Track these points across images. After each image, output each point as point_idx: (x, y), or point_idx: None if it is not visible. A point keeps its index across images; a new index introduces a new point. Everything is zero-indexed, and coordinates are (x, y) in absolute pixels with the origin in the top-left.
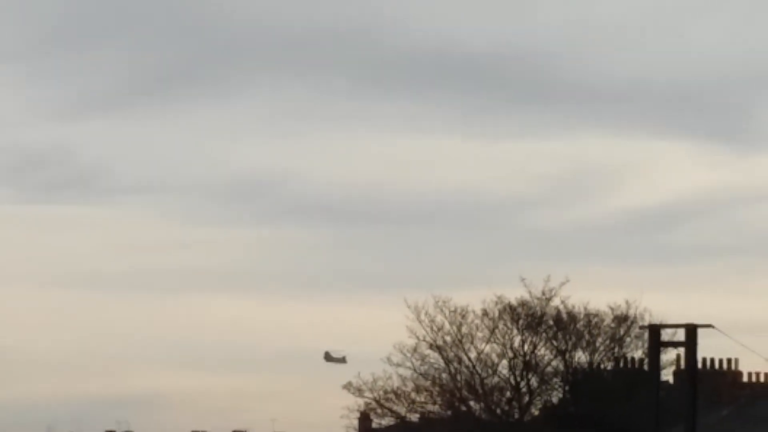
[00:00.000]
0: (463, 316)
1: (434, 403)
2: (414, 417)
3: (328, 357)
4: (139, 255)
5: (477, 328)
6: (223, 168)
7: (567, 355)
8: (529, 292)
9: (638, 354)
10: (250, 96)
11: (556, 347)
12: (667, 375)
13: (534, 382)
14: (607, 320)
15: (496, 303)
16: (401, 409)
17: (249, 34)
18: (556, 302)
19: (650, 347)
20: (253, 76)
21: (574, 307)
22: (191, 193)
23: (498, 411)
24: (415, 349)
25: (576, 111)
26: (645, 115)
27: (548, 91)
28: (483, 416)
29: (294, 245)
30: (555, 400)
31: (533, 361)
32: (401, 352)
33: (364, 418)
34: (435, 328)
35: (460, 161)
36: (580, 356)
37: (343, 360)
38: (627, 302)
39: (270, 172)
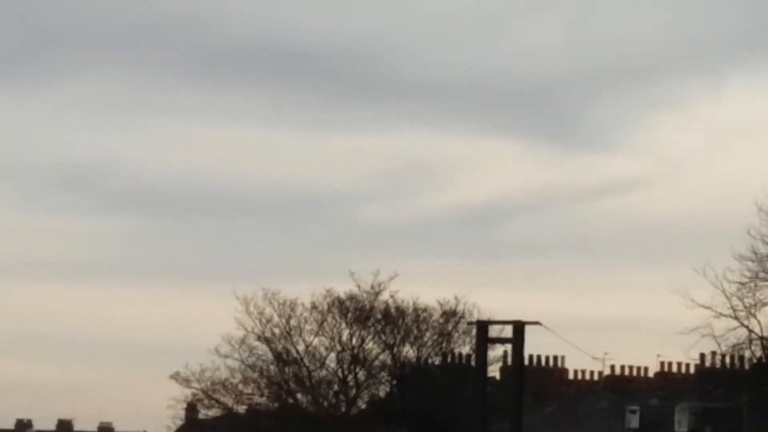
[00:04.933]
0: (292, 309)
1: (261, 395)
2: (241, 409)
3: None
4: None
5: (305, 321)
6: (53, 156)
7: (395, 350)
8: (358, 286)
9: (465, 350)
10: (81, 84)
11: (384, 341)
12: (494, 371)
13: (361, 375)
14: (436, 315)
15: (325, 296)
16: (228, 401)
17: (80, 23)
18: (384, 296)
19: (477, 343)
20: (84, 65)
21: (402, 301)
22: (20, 181)
23: (325, 404)
24: (243, 341)
25: (406, 107)
26: (474, 112)
27: (379, 87)
28: (310, 409)
29: (123, 235)
30: (382, 394)
31: (361, 355)
32: (229, 343)
33: (191, 409)
34: (264, 320)
35: (290, 154)
36: (408, 351)
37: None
38: (456, 298)
39: (100, 161)
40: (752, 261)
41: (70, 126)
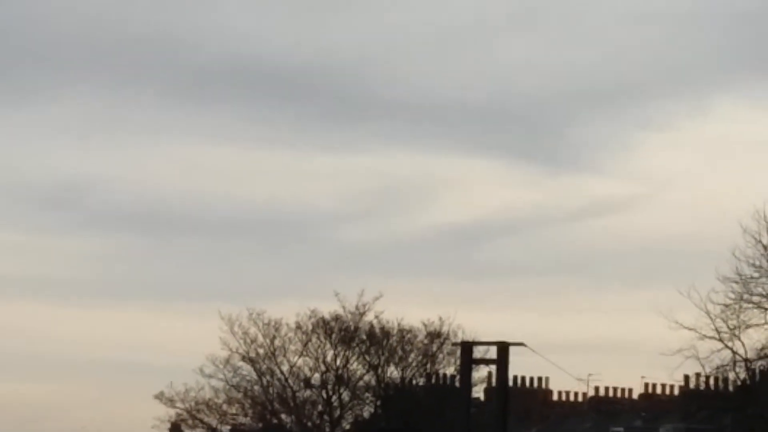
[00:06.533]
0: (277, 329)
1: (246, 415)
2: (225, 429)
3: None
4: None
5: (290, 341)
6: (35, 175)
7: (379, 370)
8: (343, 307)
9: (450, 370)
10: (60, 104)
11: (369, 362)
12: (479, 392)
13: (346, 396)
14: (420, 336)
15: (310, 317)
16: (212, 421)
17: (59, 42)
18: (369, 317)
19: (462, 364)
20: (63, 84)
21: (387, 322)
22: (1, 199)
23: (309, 424)
24: (227, 361)
25: (389, 126)
26: (458, 132)
27: (362, 106)
28: (294, 429)
29: (107, 254)
30: (366, 414)
31: (345, 376)
32: (214, 363)
33: (175, 429)
34: (248, 340)
35: (274, 174)
36: (393, 371)
37: None
38: (440, 319)
39: (81, 180)
40: (737, 283)
41: (51, 145)
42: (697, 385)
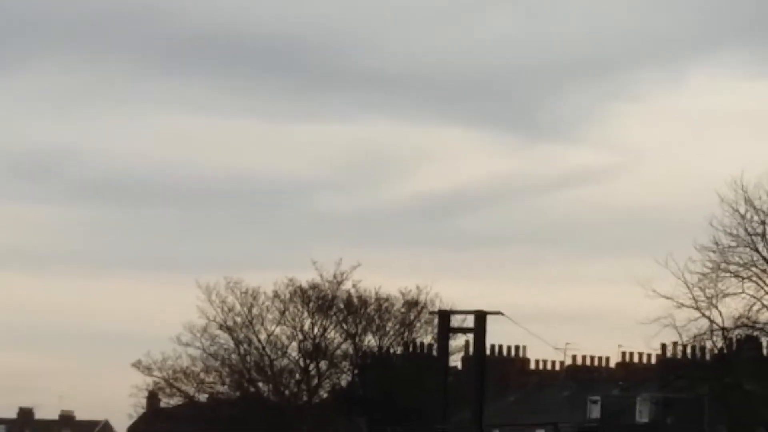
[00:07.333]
0: (254, 298)
1: (223, 383)
2: (203, 397)
3: None
4: None
5: (268, 310)
6: (10, 145)
7: (357, 339)
8: (321, 276)
9: (428, 339)
10: (37, 74)
11: (346, 331)
12: (456, 361)
13: (323, 365)
14: (398, 305)
15: (288, 285)
16: (190, 389)
17: (42, 12)
18: (347, 286)
19: (439, 333)
20: (46, 55)
21: (365, 291)
22: None
23: (286, 393)
24: (205, 330)
25: (369, 96)
26: (437, 102)
27: (342, 76)
28: (271, 398)
29: (84, 224)
30: (344, 383)
31: (323, 344)
32: (191, 332)
33: (152, 397)
34: (226, 309)
35: (252, 144)
36: (370, 340)
37: None
38: (418, 287)
39: (62, 150)
40: (714, 252)
41: (32, 115)
42: (674, 354)
